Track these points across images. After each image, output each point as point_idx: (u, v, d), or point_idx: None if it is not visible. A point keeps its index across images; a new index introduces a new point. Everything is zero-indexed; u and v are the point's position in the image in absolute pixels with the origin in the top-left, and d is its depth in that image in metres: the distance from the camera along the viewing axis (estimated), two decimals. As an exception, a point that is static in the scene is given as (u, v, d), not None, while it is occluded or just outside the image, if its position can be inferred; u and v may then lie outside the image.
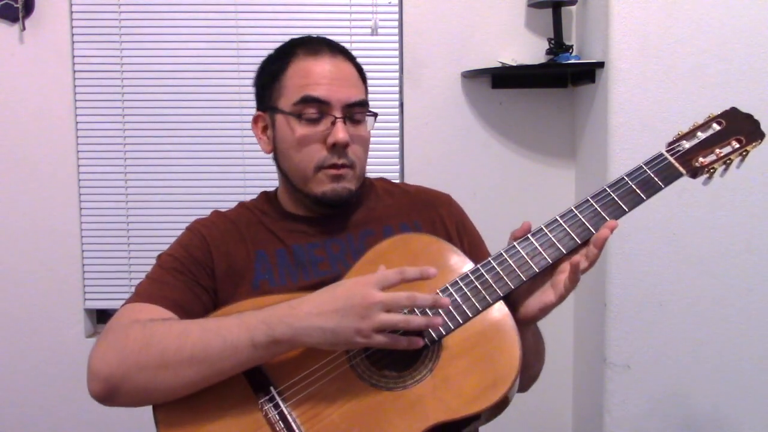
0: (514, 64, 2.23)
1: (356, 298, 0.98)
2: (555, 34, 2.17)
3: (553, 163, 2.31)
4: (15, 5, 2.21)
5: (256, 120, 1.27)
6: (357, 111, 1.19)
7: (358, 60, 1.25)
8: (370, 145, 1.25)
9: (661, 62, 1.96)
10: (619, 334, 2.02)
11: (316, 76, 1.16)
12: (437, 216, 1.27)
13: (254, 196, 1.33)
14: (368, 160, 1.25)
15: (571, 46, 2.20)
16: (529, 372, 1.19)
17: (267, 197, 1.30)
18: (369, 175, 1.31)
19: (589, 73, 2.09)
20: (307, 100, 1.16)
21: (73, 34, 2.27)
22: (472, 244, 1.27)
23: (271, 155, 1.26)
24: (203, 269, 1.18)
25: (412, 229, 1.23)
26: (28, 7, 2.22)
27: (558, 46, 2.16)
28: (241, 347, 1.00)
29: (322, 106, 1.16)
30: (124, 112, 2.30)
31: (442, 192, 1.34)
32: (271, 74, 1.22)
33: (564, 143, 2.30)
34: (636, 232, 1.99)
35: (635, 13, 1.95)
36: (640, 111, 1.97)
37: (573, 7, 2.23)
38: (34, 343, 2.33)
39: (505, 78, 2.25)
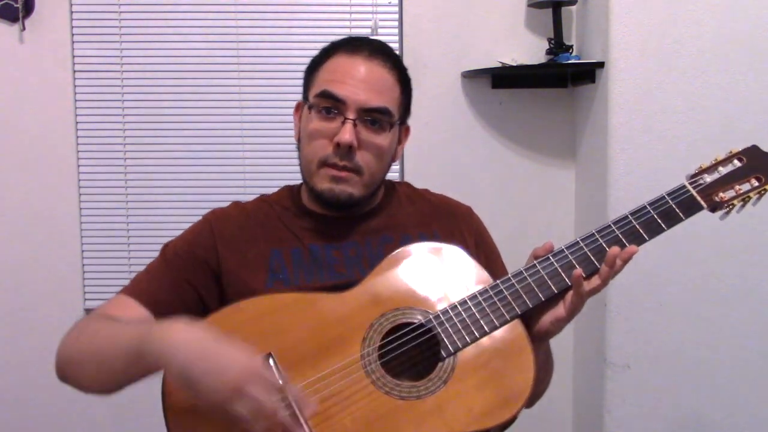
0: (514, 64, 2.23)
1: (230, 373, 0.91)
2: (555, 34, 2.17)
3: (553, 163, 2.31)
4: (15, 5, 2.21)
5: (297, 107, 1.26)
6: (376, 117, 1.16)
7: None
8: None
9: (661, 62, 1.96)
10: (619, 334, 2.02)
11: (341, 73, 1.15)
12: (456, 228, 1.26)
13: (254, 196, 1.32)
14: None
15: (571, 46, 2.20)
16: (537, 388, 1.18)
17: (290, 192, 1.29)
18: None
19: (589, 73, 2.09)
20: (325, 95, 1.15)
21: (73, 34, 2.27)
22: (489, 259, 1.26)
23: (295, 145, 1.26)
24: (200, 268, 1.18)
25: (431, 239, 1.21)
26: (28, 7, 2.22)
27: (558, 46, 2.16)
28: (121, 355, 1.01)
29: (337, 104, 1.14)
30: (124, 112, 2.30)
31: (464, 203, 1.33)
32: (312, 66, 1.22)
33: (564, 143, 2.30)
34: (636, 232, 1.99)
35: (635, 13, 1.95)
36: (640, 111, 1.97)
37: (573, 7, 2.23)
38: (34, 343, 2.32)
39: (505, 78, 2.25)
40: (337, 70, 1.16)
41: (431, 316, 1.08)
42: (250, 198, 1.32)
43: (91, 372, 1.07)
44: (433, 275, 1.12)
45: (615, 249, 1.06)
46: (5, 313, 2.33)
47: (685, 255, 2.00)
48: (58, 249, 2.31)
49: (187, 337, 0.95)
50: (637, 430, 2.05)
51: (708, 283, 2.01)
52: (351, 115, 1.14)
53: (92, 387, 1.09)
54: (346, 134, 1.13)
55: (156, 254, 1.24)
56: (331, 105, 1.15)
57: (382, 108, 1.16)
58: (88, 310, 2.36)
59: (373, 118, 1.16)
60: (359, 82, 1.14)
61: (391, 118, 1.17)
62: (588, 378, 2.19)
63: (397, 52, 2.25)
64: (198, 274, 1.18)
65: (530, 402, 1.23)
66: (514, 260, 1.21)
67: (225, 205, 1.29)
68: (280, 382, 0.96)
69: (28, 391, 2.34)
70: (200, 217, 1.27)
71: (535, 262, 1.10)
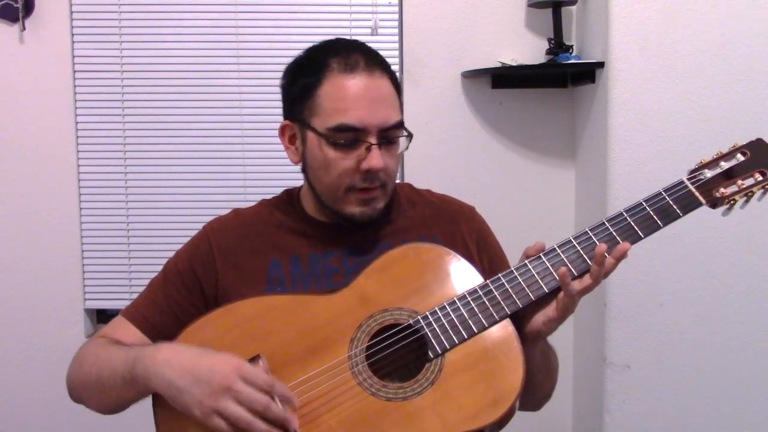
0: (514, 64, 2.23)
1: (217, 375, 0.96)
2: (555, 34, 2.17)
3: (553, 163, 2.31)
4: (15, 5, 2.21)
5: (283, 129, 1.20)
6: (393, 134, 1.13)
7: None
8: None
9: (661, 62, 1.96)
10: (619, 334, 2.02)
11: (351, 99, 1.10)
12: (458, 231, 1.23)
13: (254, 196, 1.31)
14: None
15: (571, 46, 2.20)
16: (538, 391, 1.18)
17: (290, 197, 1.27)
18: None
19: (589, 73, 2.09)
20: (343, 129, 1.10)
21: (73, 34, 2.27)
22: (492, 262, 1.23)
23: (298, 166, 1.21)
24: (199, 286, 1.19)
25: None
26: (28, 7, 2.22)
27: (558, 46, 2.16)
28: (118, 379, 1.06)
29: (357, 133, 1.10)
30: (124, 112, 2.30)
31: (467, 204, 1.30)
32: (303, 87, 1.15)
33: (564, 143, 2.30)
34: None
35: (635, 13, 1.95)
36: (640, 111, 1.97)
37: (573, 7, 2.23)
38: (34, 343, 2.33)
39: (505, 78, 2.25)
40: (345, 96, 1.10)
41: (419, 317, 1.07)
42: (250, 198, 1.31)
43: (95, 396, 1.14)
44: (422, 276, 1.11)
45: (602, 246, 1.03)
46: (5, 313, 2.33)
47: (684, 255, 2.00)
48: (58, 249, 2.31)
49: (170, 356, 1.01)
50: (637, 430, 2.05)
51: (708, 283, 2.01)
52: (374, 140, 1.10)
53: (100, 409, 1.16)
54: (376, 160, 1.10)
55: (155, 254, 1.25)
56: (351, 137, 1.10)
57: (398, 123, 1.13)
58: (88, 311, 2.36)
59: (390, 135, 1.13)
60: (371, 102, 1.10)
61: (402, 129, 1.16)
62: (588, 378, 2.19)
63: (397, 52, 2.27)
64: (197, 293, 1.19)
65: (536, 405, 1.22)
66: (514, 261, 1.21)
67: (224, 208, 1.28)
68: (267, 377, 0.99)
69: (29, 390, 2.34)
70: (200, 224, 1.26)
71: (526, 261, 1.07)
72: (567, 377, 2.31)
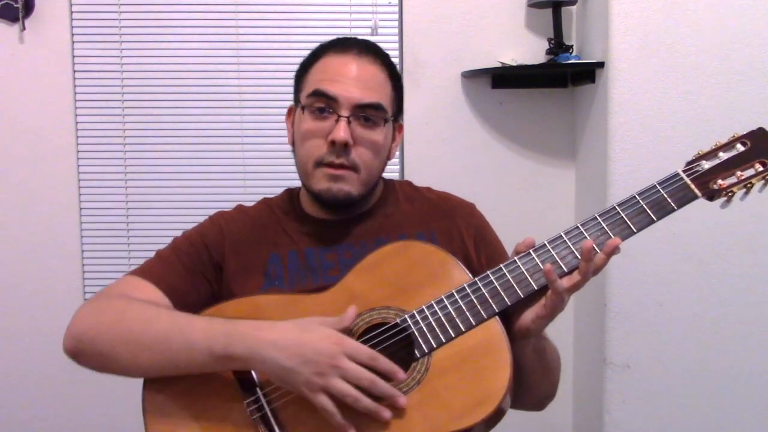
0: (514, 64, 2.23)
1: (325, 354, 0.98)
2: (555, 34, 2.17)
3: (553, 163, 2.31)
4: (15, 5, 2.21)
5: (289, 111, 1.26)
6: (369, 114, 1.15)
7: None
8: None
9: (661, 62, 1.96)
10: (619, 334, 2.02)
11: (332, 72, 1.15)
12: (455, 227, 1.23)
13: (254, 196, 1.32)
14: None
15: (571, 46, 2.20)
16: (535, 390, 1.17)
17: (290, 196, 1.29)
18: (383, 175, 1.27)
19: (589, 73, 2.09)
20: (317, 94, 1.14)
21: (73, 34, 2.27)
22: (490, 258, 1.21)
23: (290, 149, 1.24)
24: (211, 262, 1.20)
25: (429, 239, 1.19)
26: (28, 7, 2.22)
27: (558, 46, 2.16)
28: (198, 351, 1.03)
29: (330, 102, 1.14)
30: (124, 112, 2.30)
31: (466, 201, 1.30)
32: (302, 68, 1.22)
33: (564, 143, 2.30)
34: (636, 232, 1.99)
35: (635, 13, 1.95)
36: (640, 111, 1.97)
37: (573, 7, 2.23)
38: (34, 342, 2.33)
39: (505, 78, 2.25)
40: (327, 69, 1.16)
41: (406, 316, 1.06)
42: (250, 197, 1.32)
43: (138, 355, 1.06)
44: (411, 274, 1.09)
45: (589, 242, 1.00)
46: (5, 313, 2.33)
47: (684, 255, 2.00)
48: (58, 249, 2.31)
49: (275, 337, 1.00)
50: (637, 430, 2.05)
51: (708, 283, 2.01)
52: (344, 113, 1.13)
53: (119, 370, 1.09)
54: (341, 132, 1.12)
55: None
56: (324, 104, 1.14)
57: (375, 104, 1.15)
58: (88, 310, 2.36)
59: (366, 114, 1.15)
60: (351, 79, 1.14)
61: (384, 114, 1.17)
62: (588, 378, 2.20)
63: (397, 52, 2.27)
64: (209, 267, 1.20)
65: (538, 405, 1.21)
66: (514, 260, 1.21)
67: (224, 208, 1.29)
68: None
69: (29, 390, 2.34)
70: (205, 217, 1.27)
71: (515, 258, 1.05)
72: (567, 377, 2.31)
